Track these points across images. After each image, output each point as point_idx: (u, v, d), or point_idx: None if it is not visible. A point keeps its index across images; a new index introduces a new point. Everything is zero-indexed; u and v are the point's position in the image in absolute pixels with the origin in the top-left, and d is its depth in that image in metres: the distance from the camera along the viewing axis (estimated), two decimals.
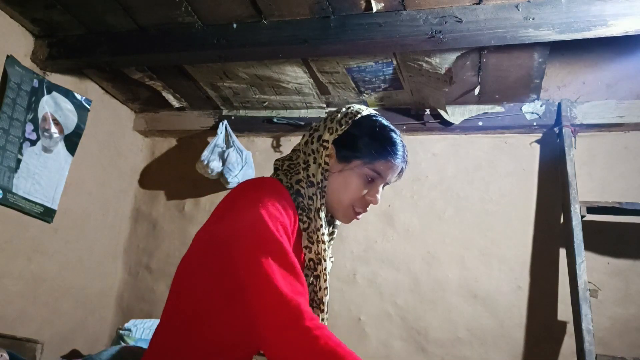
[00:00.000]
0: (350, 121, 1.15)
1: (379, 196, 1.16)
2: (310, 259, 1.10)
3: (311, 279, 1.10)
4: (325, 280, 1.10)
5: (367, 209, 1.18)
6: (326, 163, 1.14)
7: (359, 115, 1.16)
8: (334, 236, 1.24)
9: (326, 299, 1.10)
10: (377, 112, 1.21)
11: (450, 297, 2.37)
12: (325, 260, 1.11)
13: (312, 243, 1.10)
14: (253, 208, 1.01)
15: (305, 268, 1.10)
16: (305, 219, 1.12)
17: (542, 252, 2.31)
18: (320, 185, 1.13)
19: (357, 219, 1.19)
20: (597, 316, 2.11)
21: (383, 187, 1.18)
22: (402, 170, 1.20)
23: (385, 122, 1.18)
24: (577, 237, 2.07)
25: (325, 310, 1.11)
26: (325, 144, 1.14)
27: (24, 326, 2.27)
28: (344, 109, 1.19)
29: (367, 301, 2.47)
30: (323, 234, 1.11)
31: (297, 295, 0.92)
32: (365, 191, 1.15)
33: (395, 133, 1.17)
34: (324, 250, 1.11)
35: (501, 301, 2.30)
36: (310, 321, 0.89)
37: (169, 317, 1.08)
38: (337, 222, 1.24)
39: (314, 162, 1.14)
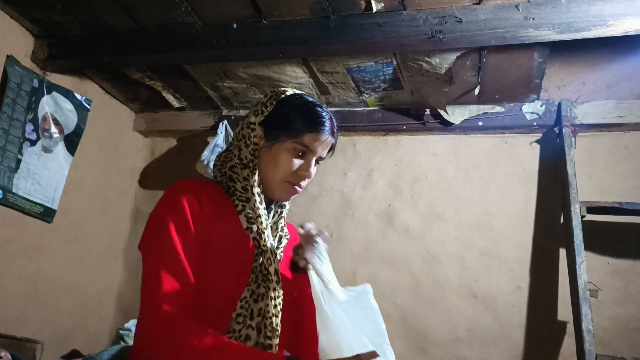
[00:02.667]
0: (274, 102, 1.19)
1: (312, 170, 1.18)
2: (254, 238, 1.13)
3: (260, 259, 1.12)
4: (267, 251, 1.13)
5: (303, 183, 1.18)
6: (255, 143, 1.18)
7: (283, 95, 1.20)
8: (283, 215, 1.26)
9: (272, 269, 1.12)
10: (303, 92, 1.25)
11: (450, 297, 2.37)
12: (264, 233, 1.14)
13: (252, 223, 1.14)
14: (156, 217, 1.10)
15: (256, 248, 1.13)
16: (237, 201, 1.16)
17: (542, 252, 2.31)
18: (251, 165, 1.17)
19: (296, 193, 1.19)
20: (597, 316, 2.11)
21: (317, 162, 1.21)
22: (333, 146, 1.22)
23: (310, 98, 1.21)
24: (577, 237, 2.07)
25: (275, 279, 1.12)
26: (252, 126, 1.19)
27: (24, 326, 2.27)
28: (269, 92, 1.23)
29: None
30: (258, 208, 1.14)
31: (172, 307, 0.98)
32: (297, 165, 1.17)
33: (321, 108, 1.19)
34: (261, 223, 1.14)
35: (501, 301, 2.30)
36: (158, 320, 0.97)
37: None
38: (287, 204, 1.27)
39: (245, 146, 1.18)
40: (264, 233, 1.14)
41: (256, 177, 1.17)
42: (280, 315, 1.12)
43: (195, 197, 1.11)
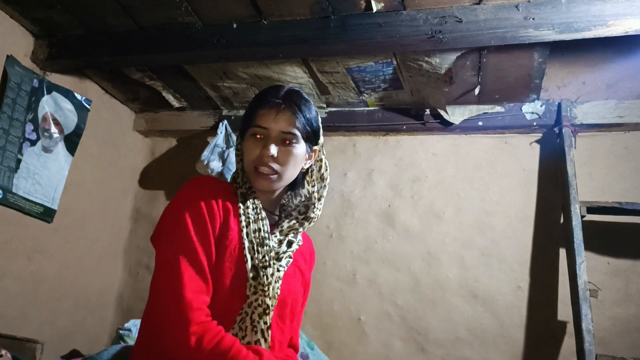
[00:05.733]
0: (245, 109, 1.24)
1: (271, 148, 1.13)
2: (245, 255, 1.14)
3: (244, 252, 1.13)
4: (253, 268, 1.12)
5: (269, 164, 1.14)
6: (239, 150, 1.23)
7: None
8: (298, 227, 1.25)
9: (260, 269, 1.12)
10: None
11: (450, 297, 2.37)
12: (242, 232, 1.14)
13: (247, 225, 1.15)
14: (174, 211, 1.11)
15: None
16: (240, 204, 1.18)
17: (542, 252, 2.31)
18: (241, 171, 1.21)
19: (268, 179, 1.16)
20: (597, 316, 2.11)
21: (288, 142, 1.15)
22: (295, 117, 1.14)
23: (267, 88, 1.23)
24: (577, 237, 2.07)
25: (260, 276, 1.11)
26: (237, 140, 1.26)
27: (24, 326, 2.27)
28: None
29: (367, 301, 2.47)
30: (247, 208, 1.17)
31: (195, 294, 1.02)
32: (259, 148, 1.15)
33: (270, 88, 1.19)
34: (242, 223, 1.14)
35: (501, 301, 2.30)
36: (195, 325, 0.99)
37: (146, 308, 1.18)
38: (311, 213, 1.26)
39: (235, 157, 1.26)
40: (242, 232, 1.14)
41: (245, 184, 1.20)
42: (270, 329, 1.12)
43: (213, 198, 1.12)
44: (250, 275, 1.10)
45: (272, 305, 1.11)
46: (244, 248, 1.12)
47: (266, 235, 1.16)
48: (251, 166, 1.16)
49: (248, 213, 1.16)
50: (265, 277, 1.11)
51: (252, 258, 1.12)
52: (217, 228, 1.10)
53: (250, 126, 1.16)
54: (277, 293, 1.13)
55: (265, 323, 1.10)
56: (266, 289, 1.10)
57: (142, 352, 1.13)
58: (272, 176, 1.16)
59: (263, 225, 1.16)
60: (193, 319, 1.00)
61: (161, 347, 1.03)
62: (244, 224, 1.14)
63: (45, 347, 2.00)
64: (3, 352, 1.67)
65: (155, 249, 1.12)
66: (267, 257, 1.13)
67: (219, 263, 1.09)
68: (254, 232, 1.15)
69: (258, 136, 1.15)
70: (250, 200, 1.19)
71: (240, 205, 1.17)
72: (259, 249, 1.14)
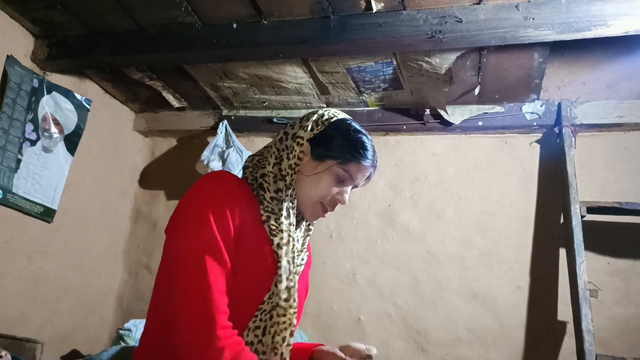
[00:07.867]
0: (326, 122, 1.19)
1: (347, 196, 1.20)
2: (275, 252, 1.12)
3: (280, 273, 1.10)
4: (282, 268, 1.10)
5: (335, 208, 1.21)
6: (299, 159, 1.16)
7: (335, 118, 1.21)
8: (310, 233, 1.28)
9: (293, 291, 1.11)
10: (351, 118, 1.25)
11: (450, 297, 2.37)
12: (282, 249, 1.11)
13: (274, 235, 1.12)
14: (194, 203, 1.09)
15: (277, 262, 1.12)
16: (262, 211, 1.14)
17: (542, 252, 2.31)
18: (288, 179, 1.15)
19: (324, 216, 1.22)
20: (597, 316, 2.11)
21: (351, 189, 1.22)
22: (370, 175, 1.23)
23: (359, 127, 1.23)
24: (577, 237, 2.07)
25: (291, 299, 1.11)
26: (299, 140, 1.17)
27: (24, 326, 2.27)
28: (320, 111, 1.23)
29: (367, 301, 2.47)
30: (282, 223, 1.13)
31: (220, 296, 1.00)
32: (335, 190, 1.18)
33: (367, 138, 1.21)
34: (282, 239, 1.12)
35: (501, 301, 2.30)
36: (221, 330, 0.98)
37: (151, 306, 1.15)
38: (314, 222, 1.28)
39: (287, 158, 1.17)
40: (282, 249, 1.11)
41: (290, 191, 1.15)
42: (292, 336, 1.12)
43: (233, 195, 1.10)
44: (283, 297, 1.09)
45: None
46: (280, 267, 1.10)
47: (284, 248, 1.13)
48: (316, 200, 1.17)
49: (271, 219, 1.13)
50: (294, 299, 1.11)
51: (287, 279, 1.10)
52: (237, 226, 1.07)
53: (340, 166, 1.16)
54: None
55: (288, 345, 1.10)
56: (296, 309, 1.11)
57: (146, 352, 1.11)
58: (326, 214, 1.21)
59: (282, 239, 1.13)
60: (219, 321, 0.98)
61: (179, 348, 0.99)
62: (268, 229, 1.12)
63: (45, 347, 2.00)
64: (3, 352, 1.67)
65: (170, 240, 1.09)
66: (296, 277, 1.14)
67: (236, 264, 1.06)
68: (290, 252, 1.13)
69: (340, 179, 1.17)
70: (292, 211, 1.16)
71: (263, 212, 1.13)
72: (296, 268, 1.14)
